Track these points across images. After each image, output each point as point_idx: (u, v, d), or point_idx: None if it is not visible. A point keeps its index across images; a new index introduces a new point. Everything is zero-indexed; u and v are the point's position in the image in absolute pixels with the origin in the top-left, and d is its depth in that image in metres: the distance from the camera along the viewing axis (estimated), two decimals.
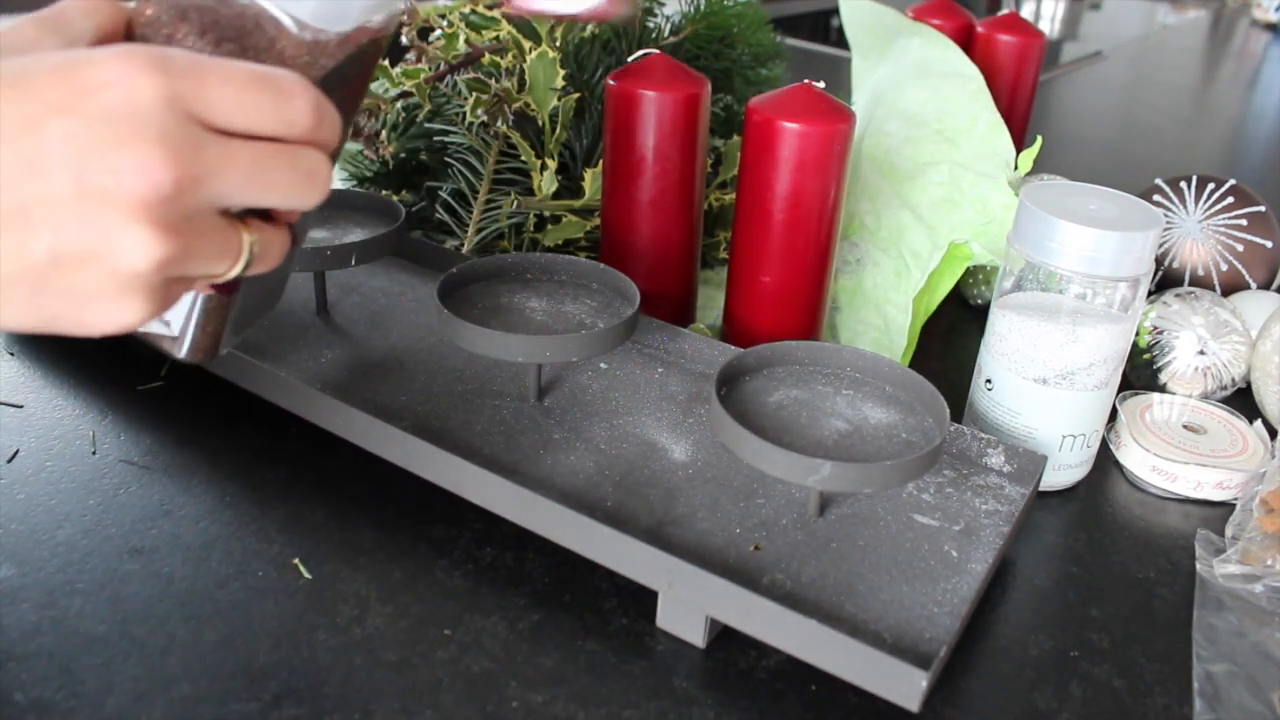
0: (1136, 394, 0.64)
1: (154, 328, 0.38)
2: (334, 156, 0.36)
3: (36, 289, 0.30)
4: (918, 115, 0.75)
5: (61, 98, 0.29)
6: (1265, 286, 0.74)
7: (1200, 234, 0.74)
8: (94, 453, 0.54)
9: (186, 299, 0.37)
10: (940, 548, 0.47)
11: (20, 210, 0.28)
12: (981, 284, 0.77)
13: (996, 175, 0.69)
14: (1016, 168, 0.70)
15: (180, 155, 0.29)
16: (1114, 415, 0.61)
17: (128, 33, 0.36)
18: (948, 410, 0.48)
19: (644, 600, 0.47)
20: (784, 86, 0.59)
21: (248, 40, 0.36)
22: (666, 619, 0.45)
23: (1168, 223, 0.75)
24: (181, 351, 0.38)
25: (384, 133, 0.78)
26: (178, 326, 0.38)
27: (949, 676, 0.44)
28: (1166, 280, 0.75)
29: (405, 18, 0.79)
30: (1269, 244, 0.74)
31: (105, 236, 0.29)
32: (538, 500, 0.46)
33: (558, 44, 0.74)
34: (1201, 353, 0.64)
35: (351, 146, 0.92)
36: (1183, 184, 0.76)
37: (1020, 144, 0.86)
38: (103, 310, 0.31)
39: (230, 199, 0.31)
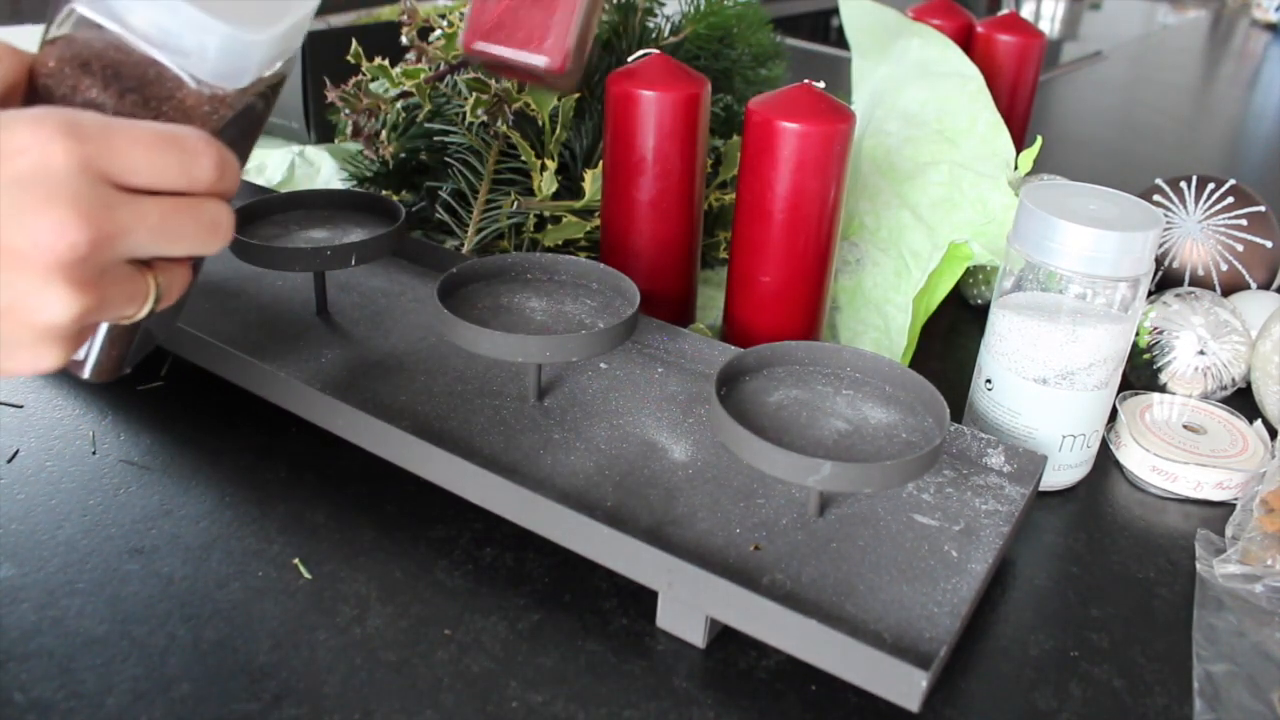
0: (1136, 394, 0.64)
1: None
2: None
3: None
4: (918, 115, 0.75)
5: None
6: (1265, 286, 0.74)
7: (1200, 234, 0.74)
8: (94, 453, 0.54)
9: None
10: (940, 548, 0.47)
11: None
12: (981, 284, 0.77)
13: (996, 175, 0.69)
14: (1016, 168, 0.70)
15: (93, 217, 0.31)
16: (1114, 415, 0.61)
17: (30, 82, 0.37)
18: (948, 410, 0.48)
19: (644, 600, 0.47)
20: (784, 86, 0.59)
21: (149, 90, 0.37)
22: (666, 619, 0.45)
23: (1168, 223, 0.75)
24: (84, 373, 0.40)
25: (384, 133, 0.78)
26: (82, 352, 0.40)
27: (949, 676, 0.44)
28: (1166, 280, 0.75)
29: (405, 18, 0.79)
30: (1269, 244, 0.74)
31: (24, 295, 0.31)
32: (538, 500, 0.46)
33: None
34: (1201, 353, 0.64)
35: (351, 146, 0.92)
36: (1183, 184, 0.76)
37: (1020, 144, 0.86)
38: (21, 359, 0.33)
39: (140, 252, 0.34)
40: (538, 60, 0.55)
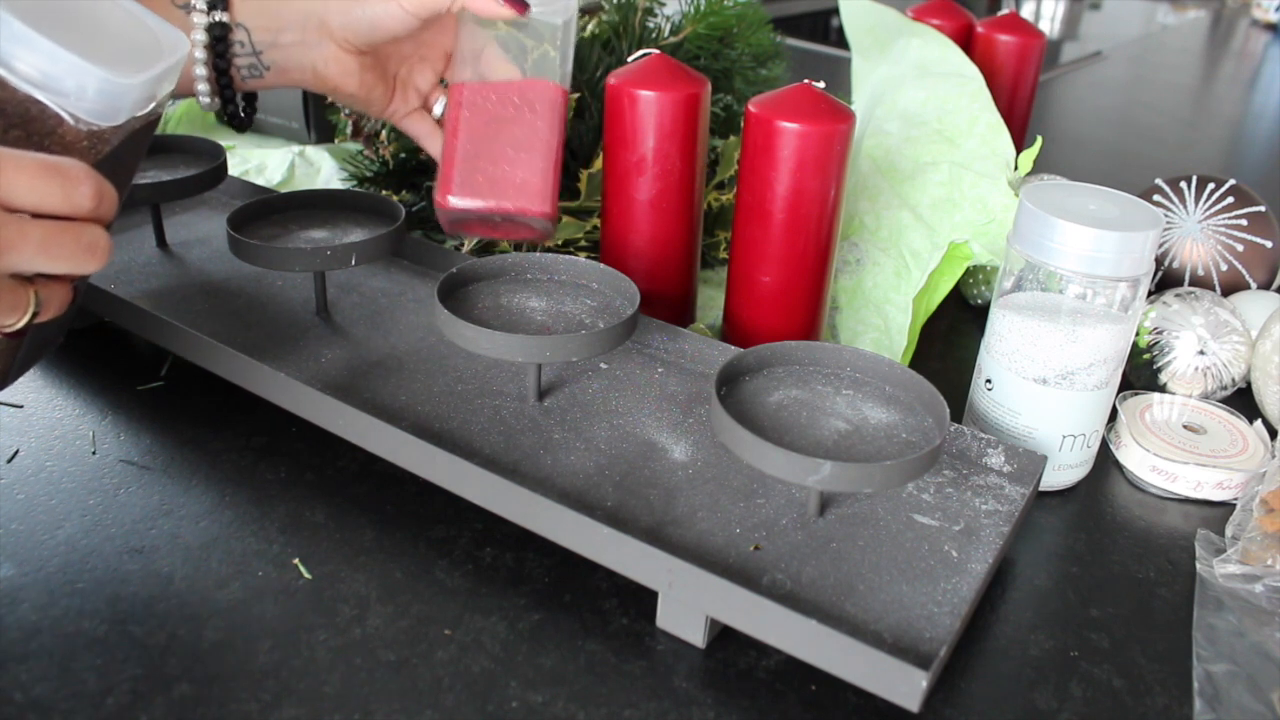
0: (1136, 394, 0.64)
1: None
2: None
3: None
4: (918, 115, 0.75)
5: None
6: (1265, 286, 0.74)
7: (1200, 234, 0.74)
8: (94, 453, 0.54)
9: None
10: (940, 548, 0.47)
11: None
12: (981, 284, 0.77)
13: (996, 175, 0.69)
14: (1016, 168, 0.70)
15: None
16: (1114, 415, 0.61)
17: None
18: (948, 410, 0.48)
19: (644, 600, 0.47)
20: (784, 86, 0.59)
21: (32, 126, 0.40)
22: (666, 619, 0.45)
23: (1168, 223, 0.75)
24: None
25: (384, 133, 0.78)
26: None
27: (949, 676, 0.44)
28: (1166, 280, 0.75)
29: None
30: (1269, 244, 0.74)
31: None
32: (538, 500, 0.46)
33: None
34: (1201, 353, 0.64)
35: (351, 146, 0.92)
36: (1183, 184, 0.76)
37: (1020, 144, 0.86)
38: None
39: (23, 267, 0.37)
40: (533, 211, 0.57)
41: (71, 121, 0.40)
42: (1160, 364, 0.65)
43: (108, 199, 0.39)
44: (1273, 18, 2.22)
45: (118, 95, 0.41)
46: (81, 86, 0.40)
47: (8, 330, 0.39)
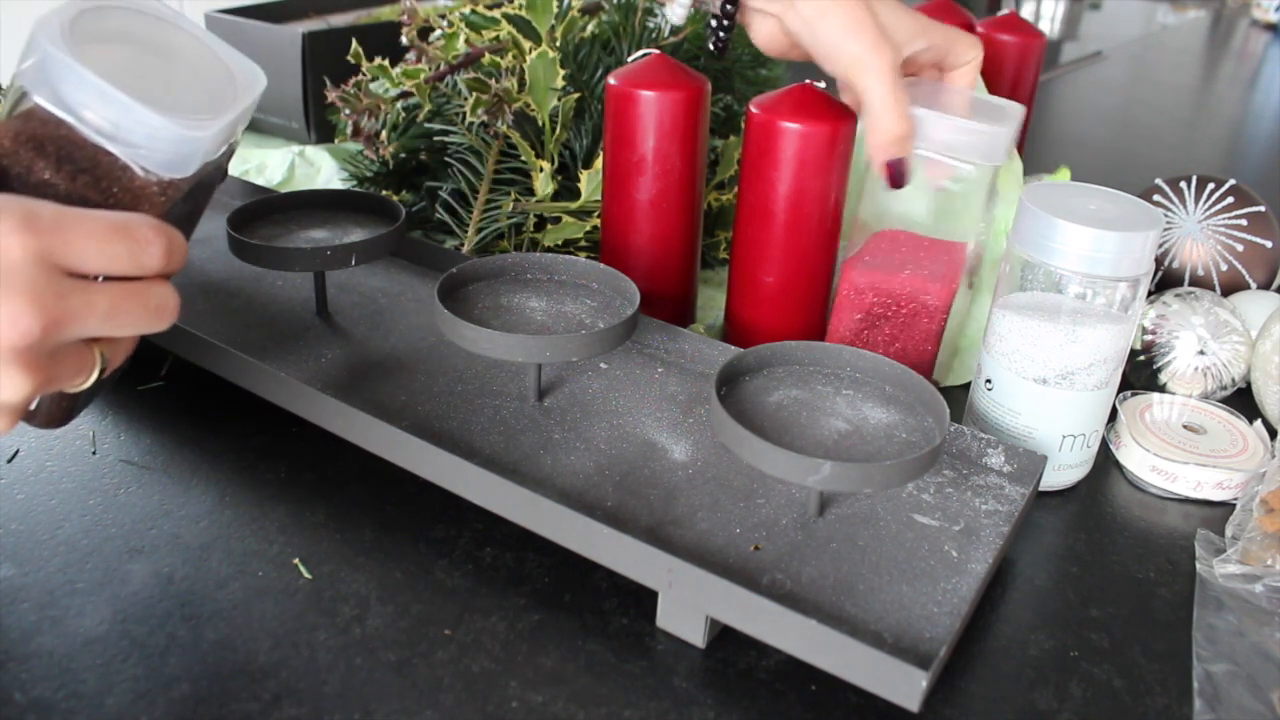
0: (1136, 394, 0.64)
1: None
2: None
3: None
4: None
5: None
6: (1265, 286, 0.74)
7: (1200, 234, 0.74)
8: (94, 453, 0.54)
9: None
10: (940, 548, 0.47)
11: None
12: None
13: (1005, 190, 0.68)
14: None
15: (46, 305, 0.33)
16: (1114, 415, 0.61)
17: None
18: (948, 410, 0.48)
19: (644, 600, 0.47)
20: (784, 86, 0.59)
21: (100, 173, 0.39)
22: (666, 619, 0.45)
23: (1168, 223, 0.75)
24: (35, 422, 0.43)
25: (384, 133, 0.78)
26: (33, 404, 0.42)
27: (949, 676, 0.44)
28: (1166, 280, 0.75)
29: (405, 18, 0.79)
30: (1269, 244, 0.74)
31: None
32: (538, 500, 0.46)
33: (558, 44, 0.74)
34: (1201, 353, 0.64)
35: (351, 146, 0.92)
36: (1183, 184, 0.76)
37: (1021, 144, 0.86)
38: None
39: (89, 333, 0.36)
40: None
41: (142, 173, 0.39)
42: (1160, 364, 0.65)
43: (177, 253, 0.37)
44: (1273, 18, 2.22)
45: (190, 145, 0.39)
46: (153, 138, 0.38)
47: (75, 390, 0.38)
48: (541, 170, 0.70)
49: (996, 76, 0.85)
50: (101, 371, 0.38)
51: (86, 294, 0.35)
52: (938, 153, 0.57)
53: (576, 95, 0.72)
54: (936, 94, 0.59)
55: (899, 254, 0.60)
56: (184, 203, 0.41)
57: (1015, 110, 0.59)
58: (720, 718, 0.42)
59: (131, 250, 0.36)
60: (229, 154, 0.43)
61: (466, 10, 0.80)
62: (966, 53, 0.60)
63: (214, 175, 0.43)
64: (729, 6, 0.57)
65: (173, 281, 0.39)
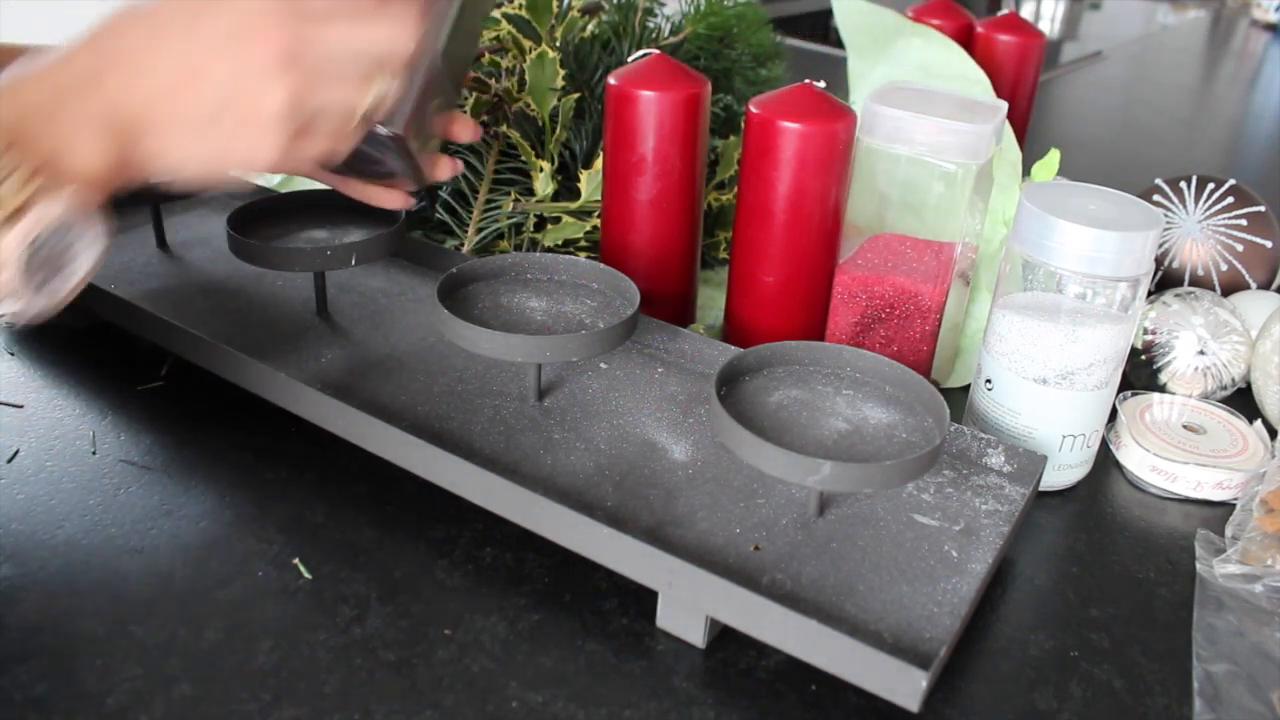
0: (1136, 394, 0.64)
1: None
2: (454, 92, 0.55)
3: (208, 131, 0.41)
4: None
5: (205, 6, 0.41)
6: (1265, 286, 0.74)
7: (1200, 234, 0.74)
8: (94, 453, 0.54)
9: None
10: (940, 548, 0.47)
11: (194, 76, 0.40)
12: None
13: (1008, 184, 0.68)
14: (1027, 174, 0.70)
15: (290, 24, 0.41)
16: (1114, 415, 0.61)
17: None
18: (948, 410, 0.48)
19: (644, 600, 0.47)
20: (784, 86, 0.59)
21: None
22: (666, 619, 0.45)
23: (1168, 223, 0.75)
24: (387, 128, 0.50)
25: None
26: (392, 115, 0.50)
27: (949, 676, 0.44)
28: (1166, 280, 0.75)
29: None
30: (1269, 244, 0.74)
31: (247, 83, 0.41)
32: (538, 500, 0.46)
33: (558, 44, 0.74)
34: (1201, 353, 0.64)
35: None
36: (1183, 184, 0.76)
37: (1021, 144, 0.86)
38: (249, 139, 0.42)
39: (342, 47, 0.42)
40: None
41: None
42: (1160, 364, 0.65)
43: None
44: (1273, 18, 2.22)
45: None
46: None
47: (372, 114, 0.45)
48: (541, 170, 0.70)
49: (997, 76, 0.85)
50: (379, 97, 0.45)
51: (326, 11, 0.42)
52: (920, 154, 0.57)
53: (576, 95, 0.72)
54: (917, 96, 0.59)
55: (889, 257, 0.60)
56: None
57: (996, 107, 0.60)
58: (720, 718, 0.42)
59: None
60: None
61: None
62: None
63: None
64: None
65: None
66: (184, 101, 0.40)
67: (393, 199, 0.59)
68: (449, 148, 0.64)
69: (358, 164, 0.57)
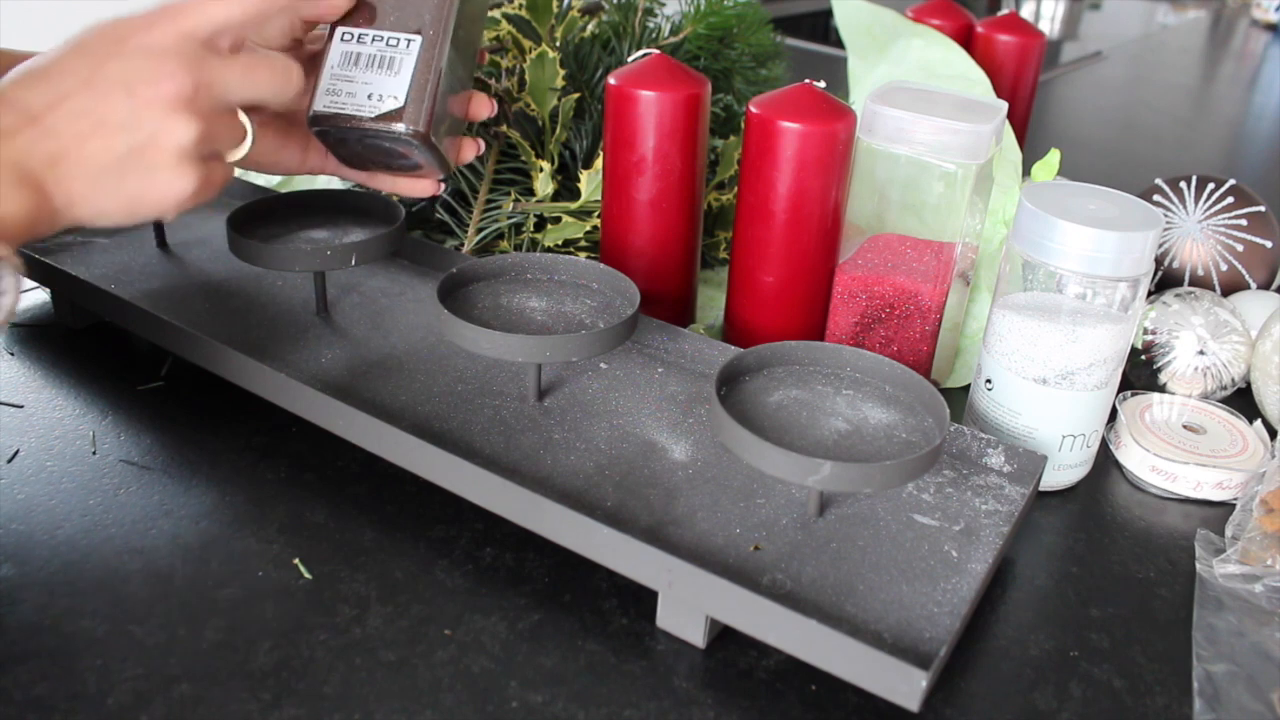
0: (1136, 394, 0.64)
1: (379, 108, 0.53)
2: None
3: (122, 176, 0.42)
4: None
5: (110, 47, 0.42)
6: (1265, 286, 0.74)
7: (1200, 234, 0.74)
8: (94, 453, 0.54)
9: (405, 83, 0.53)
10: (940, 548, 0.47)
11: (99, 124, 0.41)
12: None
13: (1009, 184, 0.68)
14: (1028, 174, 0.70)
15: (193, 68, 0.43)
16: (1114, 415, 0.61)
17: None
18: (948, 410, 0.48)
19: (644, 600, 0.47)
20: (784, 86, 0.59)
21: None
22: (666, 619, 0.45)
23: (1167, 223, 0.75)
24: (404, 119, 0.53)
25: None
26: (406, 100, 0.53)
27: (949, 676, 0.44)
28: (1166, 280, 0.75)
29: None
30: (1269, 244, 0.74)
31: (156, 127, 0.42)
32: (538, 500, 0.46)
33: (558, 44, 0.74)
34: (1201, 353, 0.64)
35: None
36: (1183, 184, 0.76)
37: (1021, 144, 0.86)
38: (163, 180, 0.43)
39: (233, 96, 0.45)
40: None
41: None
42: (1160, 364, 0.65)
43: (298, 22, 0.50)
44: (1273, 18, 2.22)
45: None
46: None
47: (236, 160, 0.47)
48: (541, 170, 0.70)
49: (997, 76, 0.85)
50: (251, 143, 0.47)
51: (224, 60, 0.44)
52: (920, 154, 0.57)
53: (576, 95, 0.72)
54: (917, 96, 0.60)
55: (889, 257, 0.61)
56: None
57: (996, 107, 0.60)
58: (720, 718, 0.42)
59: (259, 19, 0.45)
60: None
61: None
62: None
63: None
64: None
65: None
66: (93, 150, 0.42)
67: (424, 187, 0.61)
68: (471, 127, 0.63)
69: (384, 160, 0.57)
